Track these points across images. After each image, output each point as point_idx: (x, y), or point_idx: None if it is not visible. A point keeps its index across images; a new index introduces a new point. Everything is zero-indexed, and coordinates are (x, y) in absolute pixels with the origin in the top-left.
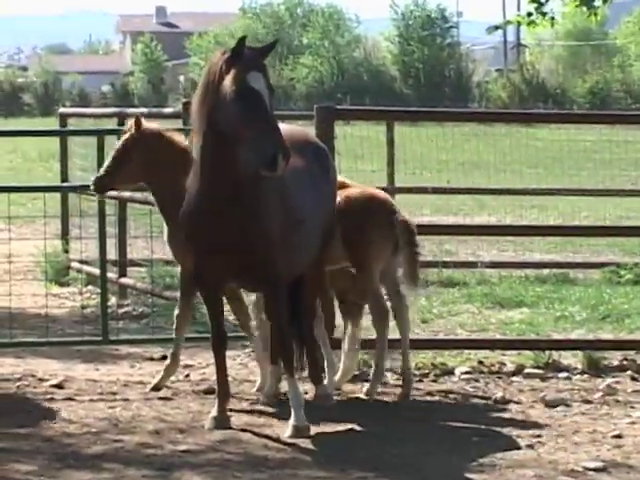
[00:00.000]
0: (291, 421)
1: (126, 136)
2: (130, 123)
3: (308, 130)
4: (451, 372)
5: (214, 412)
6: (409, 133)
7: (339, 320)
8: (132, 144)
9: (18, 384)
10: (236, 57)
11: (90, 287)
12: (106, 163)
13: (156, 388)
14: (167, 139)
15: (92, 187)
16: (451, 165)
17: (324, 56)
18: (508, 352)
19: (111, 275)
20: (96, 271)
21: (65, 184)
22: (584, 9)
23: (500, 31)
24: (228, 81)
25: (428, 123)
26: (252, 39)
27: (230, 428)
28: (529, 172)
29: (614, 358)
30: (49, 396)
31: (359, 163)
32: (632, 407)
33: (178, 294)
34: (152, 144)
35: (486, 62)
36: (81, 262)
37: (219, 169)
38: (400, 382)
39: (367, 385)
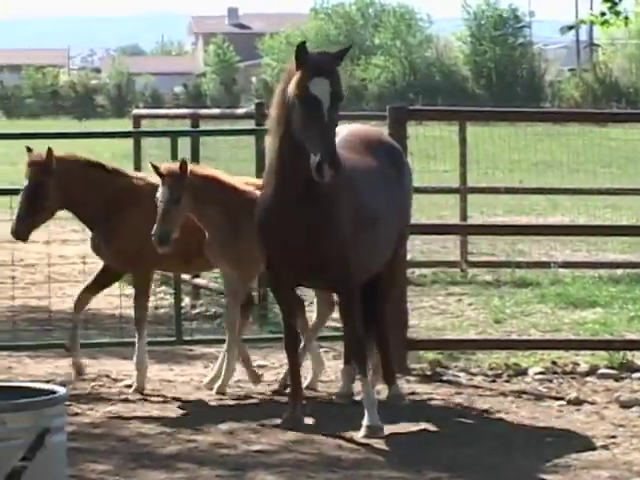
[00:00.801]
0: (365, 421)
1: (33, 171)
2: (30, 159)
3: (382, 130)
4: (524, 372)
5: (287, 412)
6: (481, 133)
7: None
8: (43, 175)
9: (93, 384)
10: (301, 62)
11: (163, 288)
12: (20, 207)
13: (220, 391)
14: (80, 160)
15: (14, 236)
16: (524, 165)
17: (396, 56)
18: (581, 352)
19: (184, 276)
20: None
21: None
22: None
23: (573, 31)
24: (292, 86)
25: (500, 123)
26: (323, 40)
27: (303, 429)
28: (602, 172)
29: None
30: (123, 396)
31: (431, 163)
32: None
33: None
34: (67, 169)
35: (558, 61)
36: None
37: (292, 170)
38: (473, 382)
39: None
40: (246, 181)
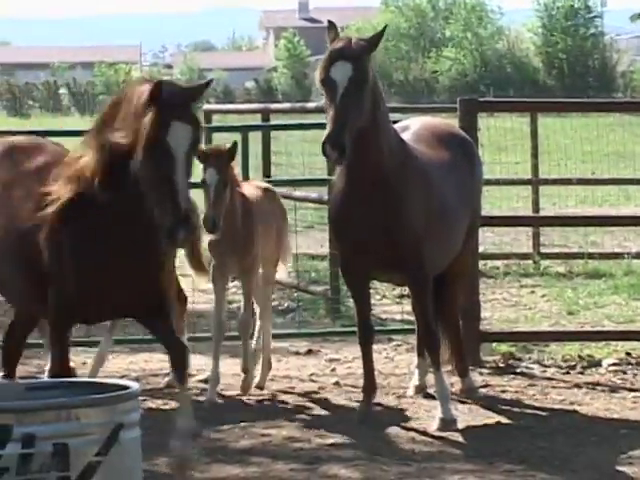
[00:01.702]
0: (438, 414)
1: None
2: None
3: (452, 123)
4: (598, 364)
5: (361, 405)
6: (553, 124)
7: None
8: None
9: (166, 379)
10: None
11: (236, 282)
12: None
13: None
14: None
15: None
16: (596, 156)
17: (467, 48)
18: None
19: None
20: None
21: None
22: None
23: None
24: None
25: (572, 114)
26: (395, 32)
27: (377, 422)
28: None
29: None
30: (197, 391)
31: (503, 155)
32: None
33: (323, 288)
34: None
35: (631, 52)
36: None
37: (361, 162)
38: (546, 374)
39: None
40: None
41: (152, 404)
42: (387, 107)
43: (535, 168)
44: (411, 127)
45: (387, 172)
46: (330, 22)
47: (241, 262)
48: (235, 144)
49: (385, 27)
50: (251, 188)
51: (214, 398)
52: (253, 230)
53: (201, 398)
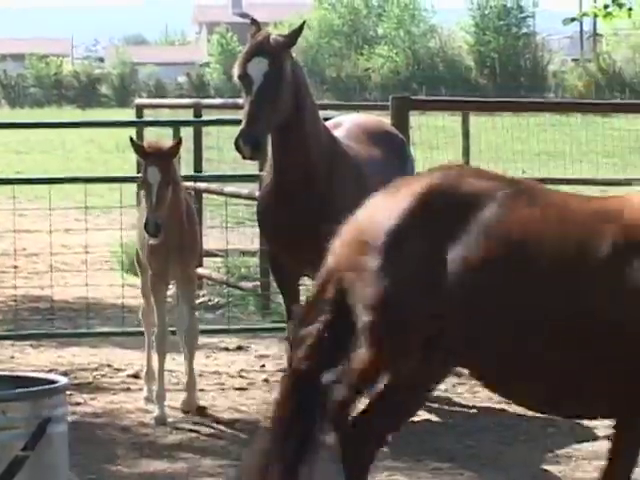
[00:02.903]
0: None
1: None
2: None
3: (384, 120)
4: None
5: None
6: (484, 123)
7: None
8: None
9: (95, 374)
10: None
11: None
12: None
13: None
14: None
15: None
16: (527, 155)
17: (399, 46)
18: None
19: None
20: None
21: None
22: None
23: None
24: None
25: (504, 113)
26: (328, 29)
27: None
28: (605, 162)
29: None
30: (125, 386)
31: (435, 153)
32: None
33: (253, 284)
34: None
35: (562, 52)
36: None
37: (286, 159)
38: None
39: None
40: None
41: (80, 399)
42: (315, 103)
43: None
44: (343, 124)
45: (315, 169)
46: (253, 19)
47: (185, 268)
48: (180, 140)
49: (304, 23)
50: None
51: (164, 415)
52: (197, 233)
53: (146, 415)
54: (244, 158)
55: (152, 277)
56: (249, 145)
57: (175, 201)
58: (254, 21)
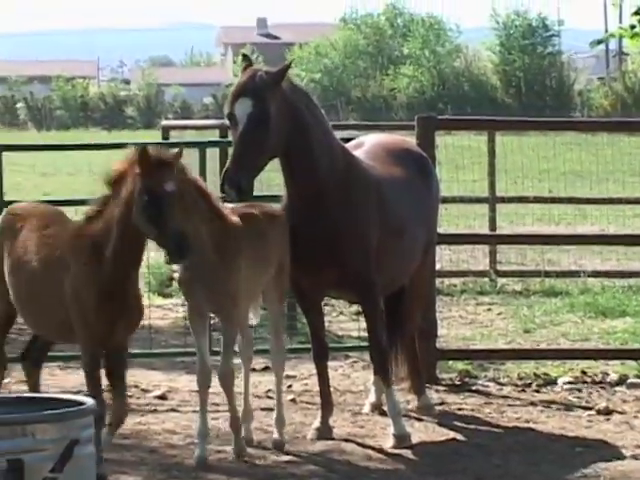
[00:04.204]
0: (391, 431)
1: None
2: None
3: (408, 139)
4: (554, 382)
5: (317, 423)
6: (510, 142)
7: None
8: None
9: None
10: None
11: None
12: None
13: None
14: None
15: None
16: (553, 174)
17: (425, 66)
18: (611, 362)
19: None
20: None
21: None
22: None
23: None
24: None
25: (529, 132)
26: (353, 50)
27: (333, 439)
28: (631, 181)
29: None
30: (153, 407)
31: (460, 173)
32: None
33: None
34: None
35: (588, 70)
36: None
37: (297, 183)
38: (502, 391)
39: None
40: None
41: (107, 420)
42: (325, 123)
43: (492, 186)
44: (365, 144)
45: (329, 190)
46: (244, 54)
47: (213, 299)
48: (180, 150)
49: (292, 61)
50: (249, 210)
51: (204, 455)
52: (233, 260)
53: (173, 437)
54: (229, 202)
55: (188, 311)
56: (234, 189)
57: (196, 220)
58: (245, 56)
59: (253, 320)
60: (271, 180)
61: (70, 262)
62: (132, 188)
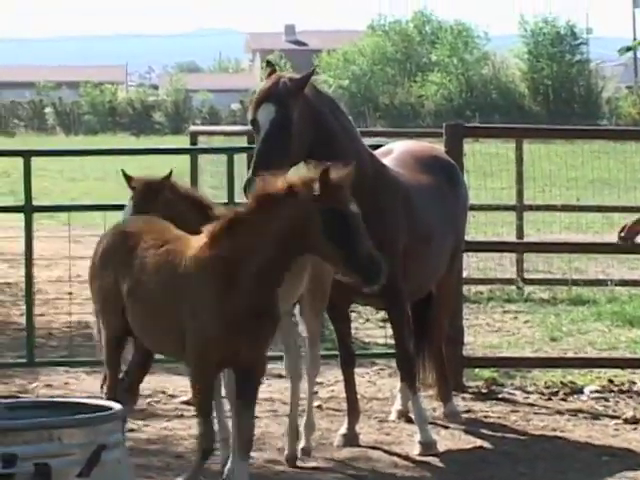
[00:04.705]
0: (417, 438)
1: None
2: None
3: (436, 147)
4: (580, 391)
5: (343, 429)
6: (538, 150)
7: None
8: None
9: (149, 400)
10: None
11: None
12: None
13: None
14: None
15: None
16: (581, 183)
17: (453, 73)
18: (638, 371)
19: None
20: None
21: None
22: None
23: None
24: None
25: (557, 140)
26: (381, 57)
27: (359, 446)
28: None
29: None
30: (179, 412)
31: (488, 181)
32: None
33: None
34: None
35: (616, 79)
36: None
37: None
38: (529, 400)
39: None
40: None
41: (134, 425)
42: (352, 130)
43: (520, 194)
44: (394, 151)
45: (356, 197)
46: (268, 61)
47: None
48: (170, 174)
49: (315, 67)
50: None
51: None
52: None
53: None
54: None
55: None
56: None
57: None
58: (269, 63)
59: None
60: None
61: (195, 280)
62: (300, 208)
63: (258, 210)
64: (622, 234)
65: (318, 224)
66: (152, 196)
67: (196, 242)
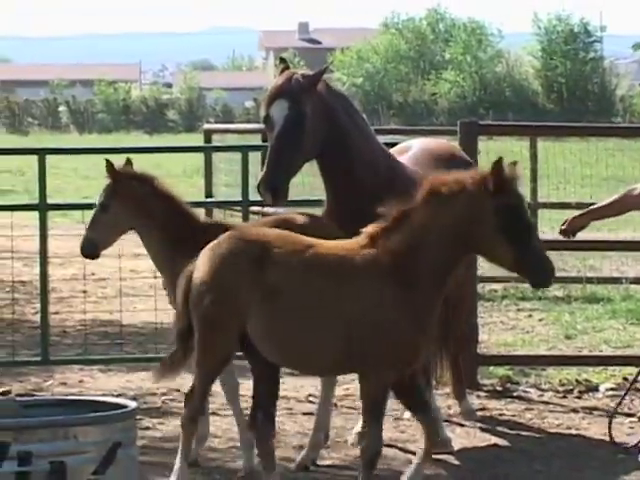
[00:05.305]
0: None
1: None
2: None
3: (453, 144)
4: (595, 389)
5: (358, 427)
6: (552, 148)
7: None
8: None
9: (163, 398)
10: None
11: None
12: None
13: None
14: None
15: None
16: (595, 180)
17: (466, 71)
18: None
19: None
20: None
21: (209, 199)
22: None
23: None
24: None
25: (571, 138)
26: (394, 54)
27: None
28: None
29: None
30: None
31: None
32: None
33: None
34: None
35: (630, 76)
36: None
37: (337, 186)
38: (544, 398)
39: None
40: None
41: (149, 423)
42: (364, 128)
43: (534, 192)
44: (411, 149)
45: (369, 194)
46: (281, 58)
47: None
48: (129, 161)
49: (329, 64)
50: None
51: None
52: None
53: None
54: (266, 205)
55: None
56: (269, 192)
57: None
58: (282, 60)
59: None
60: (314, 184)
61: (369, 284)
62: (474, 205)
63: (430, 208)
64: (563, 227)
65: (492, 221)
66: (134, 188)
67: (353, 245)
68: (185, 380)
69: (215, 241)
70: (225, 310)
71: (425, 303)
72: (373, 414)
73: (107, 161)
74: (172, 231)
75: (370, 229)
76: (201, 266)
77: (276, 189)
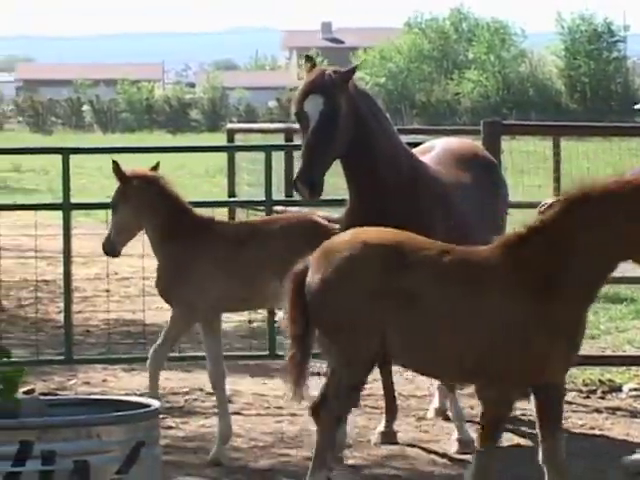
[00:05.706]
0: (455, 436)
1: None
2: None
3: (476, 144)
4: (619, 389)
5: (381, 427)
6: (575, 148)
7: None
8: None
9: (186, 398)
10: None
11: None
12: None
13: None
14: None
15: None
16: None
17: (489, 70)
18: None
19: None
20: None
21: (232, 199)
22: None
23: None
24: None
25: (594, 138)
26: (417, 54)
27: (397, 443)
28: None
29: None
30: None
31: (525, 178)
32: None
33: None
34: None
35: None
36: None
37: (359, 185)
38: (567, 398)
39: None
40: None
41: (172, 422)
42: (388, 129)
43: (557, 191)
44: (434, 148)
45: (391, 194)
46: (307, 56)
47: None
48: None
49: (359, 64)
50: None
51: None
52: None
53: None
54: (304, 198)
55: None
56: (307, 187)
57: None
58: (309, 57)
59: None
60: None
61: (510, 292)
62: (627, 210)
63: (575, 214)
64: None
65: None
66: (140, 189)
67: (490, 252)
68: (208, 380)
69: (330, 244)
70: (364, 315)
71: (569, 318)
72: (489, 435)
73: (114, 162)
74: (175, 230)
75: (515, 235)
76: (324, 270)
77: (314, 183)
